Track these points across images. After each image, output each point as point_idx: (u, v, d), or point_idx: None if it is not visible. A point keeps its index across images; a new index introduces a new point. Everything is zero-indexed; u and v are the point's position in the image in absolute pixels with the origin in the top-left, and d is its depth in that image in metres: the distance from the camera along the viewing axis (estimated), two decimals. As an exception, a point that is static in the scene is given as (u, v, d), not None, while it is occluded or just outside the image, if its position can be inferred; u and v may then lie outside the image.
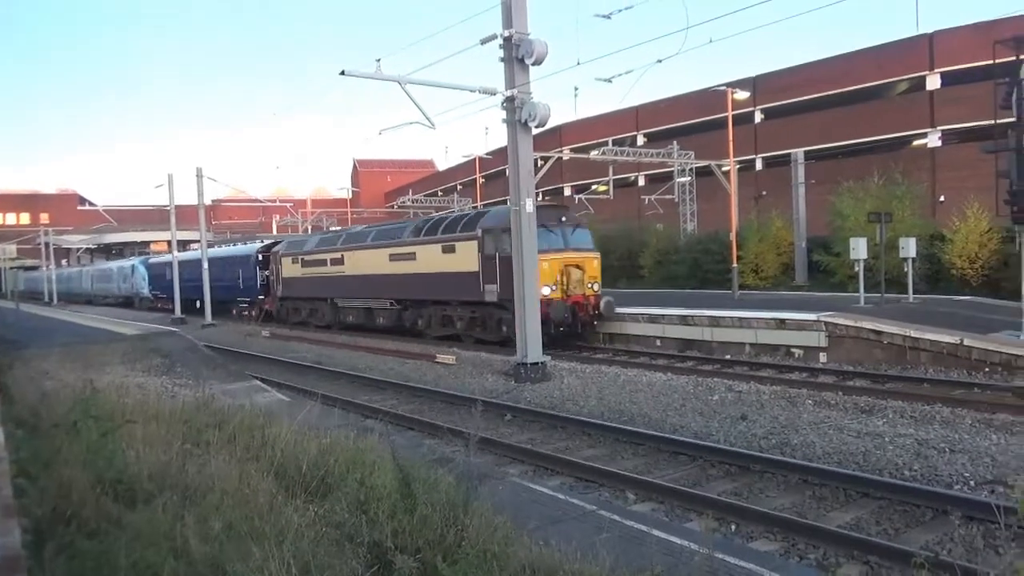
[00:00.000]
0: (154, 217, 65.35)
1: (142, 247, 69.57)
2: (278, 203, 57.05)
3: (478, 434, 5.65)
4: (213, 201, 64.32)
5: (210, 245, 41.56)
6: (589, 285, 19.19)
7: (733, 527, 6.86)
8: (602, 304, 19.32)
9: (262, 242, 39.55)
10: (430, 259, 21.66)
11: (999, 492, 7.10)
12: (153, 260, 48.82)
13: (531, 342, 15.05)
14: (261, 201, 56.80)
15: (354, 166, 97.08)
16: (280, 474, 5.64)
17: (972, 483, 7.52)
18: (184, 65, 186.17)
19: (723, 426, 10.44)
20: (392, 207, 66.21)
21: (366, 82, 15.44)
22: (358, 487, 5.10)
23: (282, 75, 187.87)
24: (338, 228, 43.28)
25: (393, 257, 23.68)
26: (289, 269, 30.86)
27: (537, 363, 15.02)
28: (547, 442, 10.43)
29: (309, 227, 59.42)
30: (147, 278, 47.71)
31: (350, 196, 74.22)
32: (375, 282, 24.47)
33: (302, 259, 29.86)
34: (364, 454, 6.02)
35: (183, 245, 48.07)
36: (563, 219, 19.94)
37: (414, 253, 22.57)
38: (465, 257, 20.11)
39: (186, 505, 4.68)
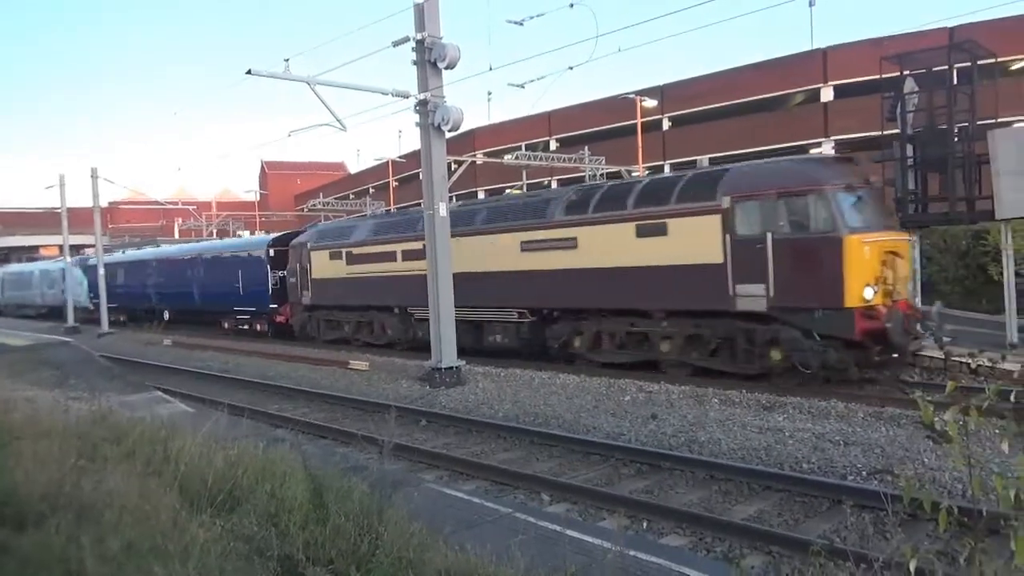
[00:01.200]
0: (44, 220, 61.36)
1: (30, 252, 65.40)
2: (180, 205, 54.66)
3: (392, 440, 5.60)
4: (110, 203, 61.26)
5: (107, 250, 39.33)
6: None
7: (644, 524, 7.04)
8: (934, 312, 12.67)
9: (267, 232, 33.85)
10: (611, 246, 14.71)
11: (887, 481, 7.55)
12: (91, 262, 40.98)
13: (445, 346, 15.00)
14: (162, 203, 54.31)
15: (262, 168, 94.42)
16: (185, 488, 5.42)
17: (864, 473, 7.96)
18: (77, 61, 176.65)
19: (634, 426, 10.68)
20: (302, 210, 64.73)
21: (274, 83, 15.11)
22: (268, 499, 4.96)
23: (184, 74, 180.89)
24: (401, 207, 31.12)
25: (530, 246, 16.34)
26: (325, 268, 22.89)
27: (452, 367, 14.97)
28: (462, 446, 10.43)
29: (214, 231, 57.36)
30: (86, 283, 39.74)
31: (258, 199, 72.17)
32: (492, 283, 17.12)
33: (348, 253, 21.78)
34: (274, 464, 5.86)
35: (76, 249, 45.43)
36: (870, 180, 13.28)
37: (574, 239, 15.41)
38: (691, 242, 13.41)
39: (81, 525, 4.43)
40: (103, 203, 36.85)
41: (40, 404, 9.94)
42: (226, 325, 28.69)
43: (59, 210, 36.80)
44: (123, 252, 42.00)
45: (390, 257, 20.33)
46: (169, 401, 12.86)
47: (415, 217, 19.78)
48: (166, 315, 31.72)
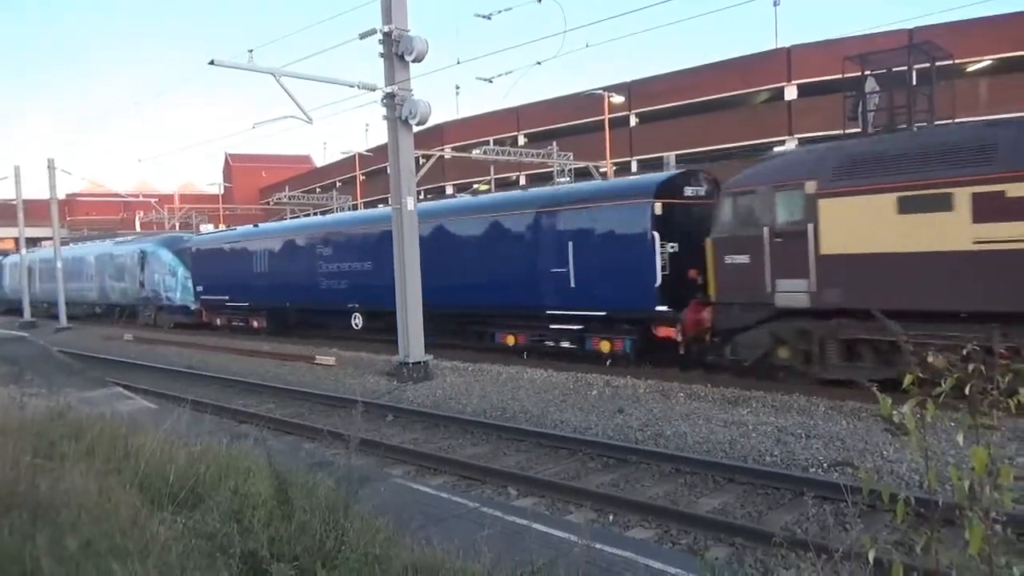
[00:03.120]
0: (-3, 212, 59.64)
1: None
2: (141, 198, 53.48)
3: (359, 436, 5.54)
4: (68, 195, 59.80)
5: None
6: None
7: (611, 517, 7.10)
8: None
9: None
10: None
11: (847, 473, 7.70)
12: (198, 241, 28.83)
13: (413, 341, 14.94)
14: (122, 196, 53.12)
15: (226, 160, 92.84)
16: (145, 486, 5.32)
17: (825, 465, 8.11)
18: (32, 48, 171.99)
19: (601, 420, 10.75)
20: (267, 203, 63.92)
21: (238, 74, 14.89)
22: (231, 495, 4.89)
23: (145, 64, 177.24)
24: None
25: None
26: (869, 230, 11.01)
27: (419, 362, 14.91)
28: (430, 441, 10.40)
29: (176, 224, 56.32)
30: (181, 275, 28.39)
31: (222, 192, 71.07)
32: None
33: (980, 196, 9.86)
34: (238, 461, 5.78)
35: (32, 242, 44.23)
36: None
37: None
38: None
39: (37, 524, 4.32)
40: (60, 195, 35.90)
41: (-6, 401, 9.67)
42: (511, 341, 16.65)
43: (13, 201, 35.83)
44: (256, 226, 29.26)
45: None
46: (130, 397, 12.62)
47: None
48: (357, 320, 20.48)
